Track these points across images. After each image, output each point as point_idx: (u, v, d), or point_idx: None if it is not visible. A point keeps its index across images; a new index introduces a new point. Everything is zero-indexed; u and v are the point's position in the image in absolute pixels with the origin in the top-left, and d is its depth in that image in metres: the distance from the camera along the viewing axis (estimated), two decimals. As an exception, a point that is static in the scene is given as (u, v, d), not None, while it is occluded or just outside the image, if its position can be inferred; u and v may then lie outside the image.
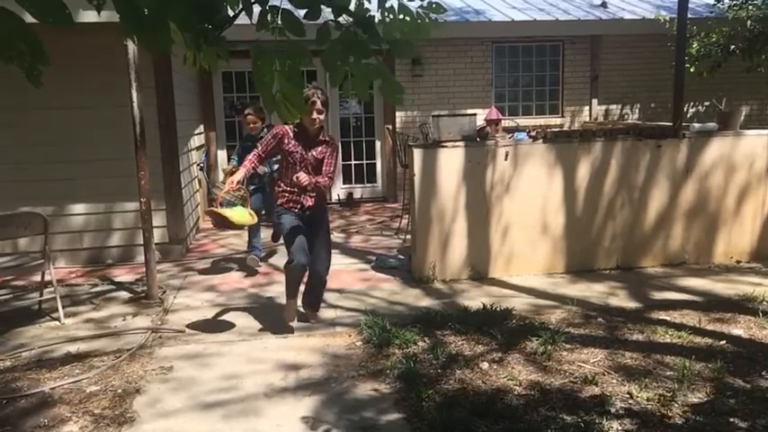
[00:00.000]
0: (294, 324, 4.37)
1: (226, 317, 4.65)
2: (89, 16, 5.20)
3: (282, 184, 4.19)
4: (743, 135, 5.75)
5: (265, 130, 5.87)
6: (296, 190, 4.14)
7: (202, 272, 5.93)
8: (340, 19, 1.69)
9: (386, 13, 1.85)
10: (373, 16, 1.76)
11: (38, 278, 4.86)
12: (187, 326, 4.43)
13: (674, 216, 5.68)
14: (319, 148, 4.15)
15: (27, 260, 4.76)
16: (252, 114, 5.93)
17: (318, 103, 3.96)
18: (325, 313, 4.59)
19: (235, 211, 4.13)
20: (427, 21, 1.89)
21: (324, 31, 1.70)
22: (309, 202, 4.20)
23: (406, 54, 1.88)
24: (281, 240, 4.41)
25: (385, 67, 1.80)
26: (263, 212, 5.85)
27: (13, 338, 4.31)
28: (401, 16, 1.85)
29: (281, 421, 3.08)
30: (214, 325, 4.48)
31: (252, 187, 5.70)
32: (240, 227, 4.45)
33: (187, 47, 1.73)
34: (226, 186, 4.12)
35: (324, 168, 4.19)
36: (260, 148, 4.22)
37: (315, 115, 3.99)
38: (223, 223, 4.06)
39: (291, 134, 4.13)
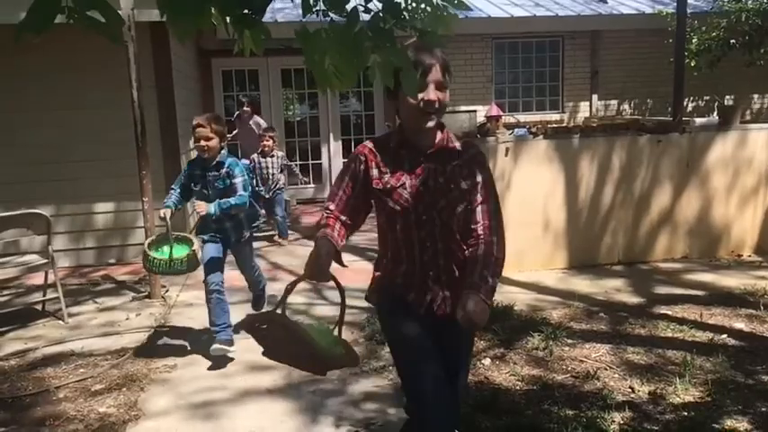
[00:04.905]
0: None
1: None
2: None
3: (384, 259, 2.20)
4: (744, 129, 5.75)
5: (223, 152, 3.82)
6: (431, 273, 2.09)
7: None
8: (370, 5, 1.72)
9: (409, 1, 1.86)
10: (399, 2, 1.78)
11: (41, 278, 4.87)
12: (190, 324, 4.45)
13: (676, 210, 5.68)
14: (447, 169, 2.04)
15: (30, 260, 4.78)
16: (204, 126, 3.69)
17: (437, 68, 1.97)
18: (327, 310, 4.60)
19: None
20: (446, 14, 1.90)
21: (353, 14, 1.73)
22: (449, 300, 2.09)
23: (433, 43, 1.86)
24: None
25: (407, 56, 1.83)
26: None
27: (18, 338, 4.33)
28: (422, 5, 1.86)
29: (284, 417, 3.10)
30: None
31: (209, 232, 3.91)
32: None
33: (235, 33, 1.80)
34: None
35: (477, 212, 2.02)
36: (333, 202, 2.07)
37: (431, 95, 1.96)
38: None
39: (377, 153, 2.07)
